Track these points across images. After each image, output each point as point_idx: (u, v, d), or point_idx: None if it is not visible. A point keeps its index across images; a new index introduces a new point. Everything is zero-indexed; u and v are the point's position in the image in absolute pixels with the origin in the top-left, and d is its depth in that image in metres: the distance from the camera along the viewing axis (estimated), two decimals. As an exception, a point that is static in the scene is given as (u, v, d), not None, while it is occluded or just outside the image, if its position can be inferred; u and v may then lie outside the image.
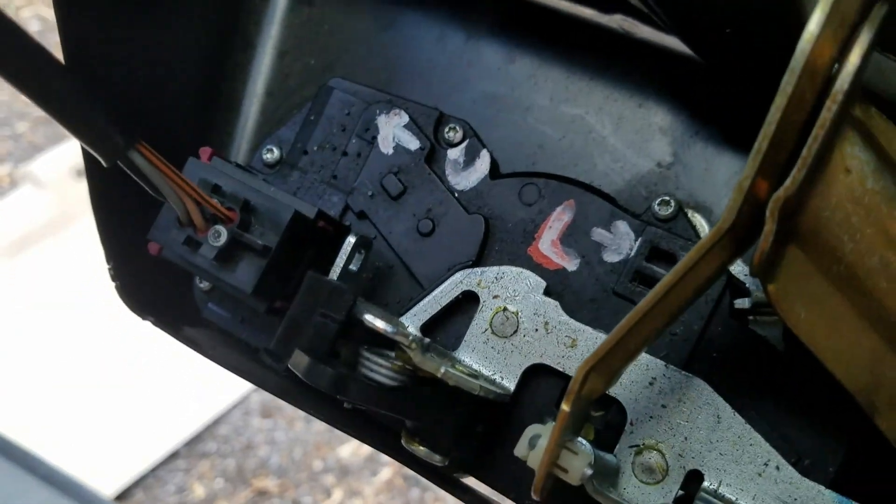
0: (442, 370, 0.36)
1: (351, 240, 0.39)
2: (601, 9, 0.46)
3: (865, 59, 0.27)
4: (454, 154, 0.43)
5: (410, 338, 0.36)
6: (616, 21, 0.46)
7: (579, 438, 0.35)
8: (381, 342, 0.38)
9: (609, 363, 0.32)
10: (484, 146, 0.43)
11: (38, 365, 1.72)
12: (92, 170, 0.43)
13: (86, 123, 0.31)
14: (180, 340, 0.46)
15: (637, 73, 0.45)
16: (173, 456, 1.69)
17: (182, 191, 0.35)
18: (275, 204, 0.37)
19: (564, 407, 0.31)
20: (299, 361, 0.34)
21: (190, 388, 1.70)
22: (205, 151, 0.40)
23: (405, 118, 0.43)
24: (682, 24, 0.39)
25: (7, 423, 1.45)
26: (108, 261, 0.42)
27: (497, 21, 0.51)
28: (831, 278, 0.31)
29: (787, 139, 0.27)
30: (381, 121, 0.43)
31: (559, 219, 0.41)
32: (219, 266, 0.37)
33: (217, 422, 1.75)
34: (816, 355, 0.32)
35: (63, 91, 0.31)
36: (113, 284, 0.43)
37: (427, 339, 0.38)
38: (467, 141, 0.43)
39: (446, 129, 0.43)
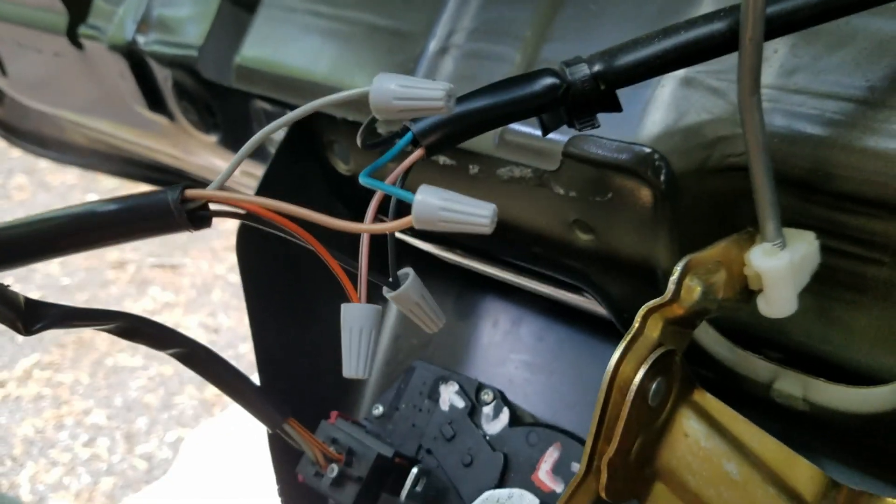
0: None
1: (414, 470, 0.61)
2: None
3: (648, 379, 0.46)
4: (486, 410, 0.65)
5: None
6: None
7: None
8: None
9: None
10: (506, 404, 0.65)
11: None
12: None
13: (253, 405, 0.58)
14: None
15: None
16: None
17: (313, 446, 0.60)
18: (367, 449, 0.62)
19: None
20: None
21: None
22: (333, 414, 0.66)
23: (456, 386, 0.67)
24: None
25: None
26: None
27: (532, 311, 0.75)
28: (686, 502, 0.49)
29: (611, 425, 0.46)
30: (442, 389, 0.67)
31: (551, 455, 0.61)
32: (333, 489, 0.61)
33: None
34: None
35: (239, 385, 0.57)
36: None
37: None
38: (495, 402, 0.65)
39: (482, 393, 0.66)
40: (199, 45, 0.77)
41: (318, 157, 0.75)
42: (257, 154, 0.83)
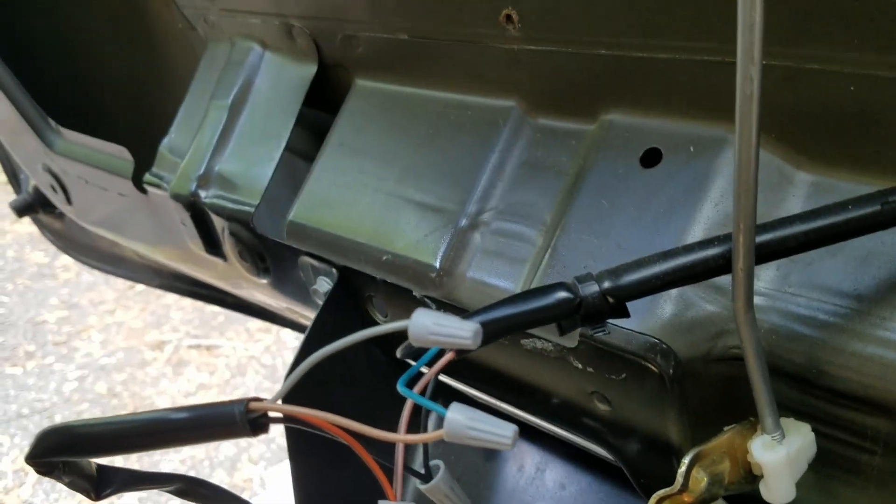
0: None
1: None
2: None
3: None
4: (511, 563, 0.69)
5: None
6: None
7: None
8: None
9: None
10: (530, 558, 0.69)
11: None
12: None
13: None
14: None
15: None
16: None
17: None
18: None
19: None
20: None
21: None
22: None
23: (483, 537, 0.71)
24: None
25: None
26: None
27: (557, 457, 0.79)
28: None
29: None
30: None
31: None
32: None
33: None
34: None
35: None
36: None
37: None
38: (519, 554, 0.69)
39: (507, 545, 0.70)
40: (255, 204, 0.85)
41: (358, 309, 0.82)
42: (306, 299, 0.90)
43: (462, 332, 0.42)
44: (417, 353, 0.49)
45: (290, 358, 3.79)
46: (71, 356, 3.84)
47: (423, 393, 0.46)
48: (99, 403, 3.46)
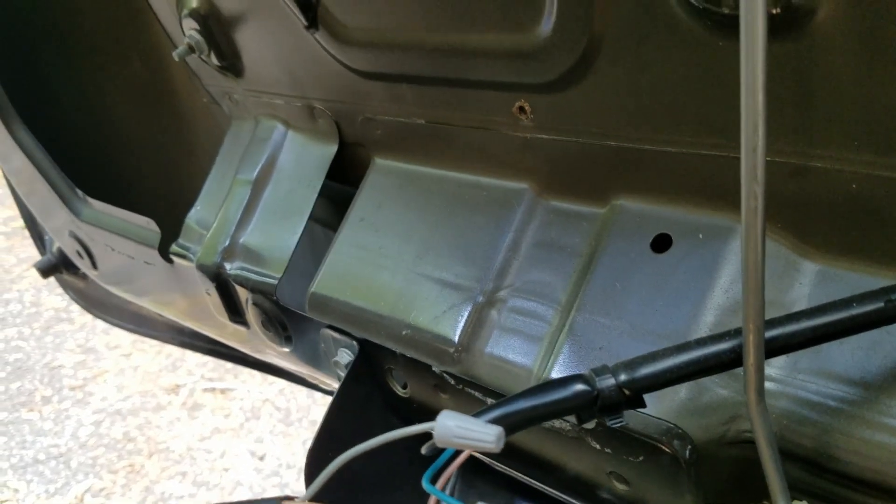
0: None
1: None
2: None
3: None
4: None
5: None
6: None
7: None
8: None
9: None
10: None
11: None
12: None
13: None
14: None
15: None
16: None
17: None
18: None
19: None
20: None
21: None
22: None
23: None
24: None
25: None
26: None
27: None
28: None
29: None
30: None
31: None
32: None
33: None
34: None
35: None
36: None
37: None
38: None
39: None
40: (279, 276, 0.88)
41: (378, 381, 0.84)
42: (327, 368, 0.92)
43: (486, 436, 0.44)
44: (442, 448, 0.51)
45: (303, 401, 3.80)
46: (87, 400, 3.86)
47: (444, 488, 0.48)
48: (115, 448, 3.47)
